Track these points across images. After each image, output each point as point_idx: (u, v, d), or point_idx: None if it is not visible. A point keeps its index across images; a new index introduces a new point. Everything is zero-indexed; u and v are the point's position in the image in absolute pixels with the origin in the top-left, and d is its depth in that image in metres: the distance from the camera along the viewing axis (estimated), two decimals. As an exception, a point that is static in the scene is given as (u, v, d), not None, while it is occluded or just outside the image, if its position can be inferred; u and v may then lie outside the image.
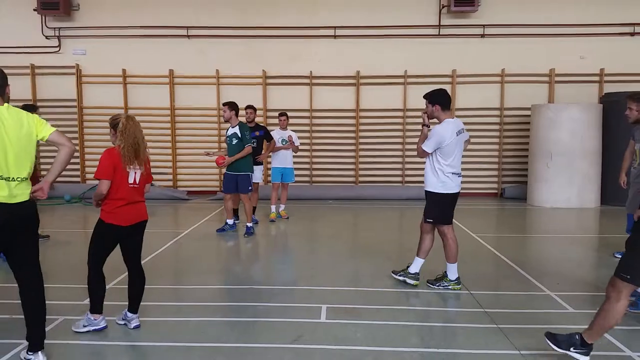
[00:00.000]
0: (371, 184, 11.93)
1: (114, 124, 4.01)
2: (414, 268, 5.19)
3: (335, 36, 11.70)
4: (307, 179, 11.99)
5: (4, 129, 3.28)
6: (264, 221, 8.78)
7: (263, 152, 8.78)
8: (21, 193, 3.36)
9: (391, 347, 3.78)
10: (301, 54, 11.74)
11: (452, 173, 4.97)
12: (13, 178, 3.29)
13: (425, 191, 5.12)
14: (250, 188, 7.78)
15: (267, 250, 7.44)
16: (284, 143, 8.89)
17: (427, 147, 4.92)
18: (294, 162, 9.33)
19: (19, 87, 11.57)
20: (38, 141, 3.49)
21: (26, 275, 3.49)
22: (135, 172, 4.02)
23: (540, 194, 10.61)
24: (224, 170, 8.10)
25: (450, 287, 5.06)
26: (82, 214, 9.94)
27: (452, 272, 5.09)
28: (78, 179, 12.00)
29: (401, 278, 5.24)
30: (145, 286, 4.82)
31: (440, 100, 4.97)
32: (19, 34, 11.78)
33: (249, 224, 7.77)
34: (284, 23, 11.63)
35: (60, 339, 3.92)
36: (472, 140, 11.48)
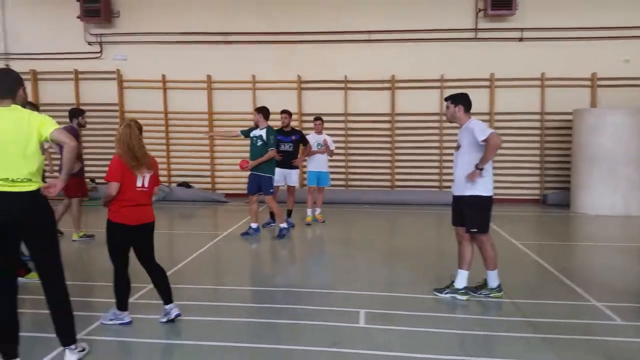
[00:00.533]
0: (407, 188, 11.83)
1: None
2: (461, 282, 4.91)
3: (370, 40, 11.69)
4: (342, 182, 11.98)
5: (6, 129, 3.29)
6: (300, 225, 8.82)
7: (299, 156, 8.83)
8: (24, 197, 3.32)
9: (430, 354, 3.74)
10: (336, 59, 11.77)
11: (489, 174, 4.80)
12: (13, 179, 3.29)
13: (465, 196, 4.79)
14: (272, 190, 7.86)
15: (304, 253, 7.47)
16: (319, 147, 8.92)
17: (489, 129, 4.69)
18: (330, 166, 9.35)
19: (63, 92, 12.03)
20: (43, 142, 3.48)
21: (50, 286, 3.52)
22: (144, 177, 4.17)
23: (583, 200, 10.30)
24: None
25: (491, 295, 4.90)
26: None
27: (493, 279, 4.92)
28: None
29: (448, 296, 4.91)
30: (185, 285, 4.93)
31: (463, 102, 4.88)
32: (63, 40, 12.21)
33: (282, 225, 7.82)
34: (319, 28, 11.68)
35: (104, 336, 4.02)
36: (513, 145, 11.46)
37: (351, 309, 4.66)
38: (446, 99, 5.03)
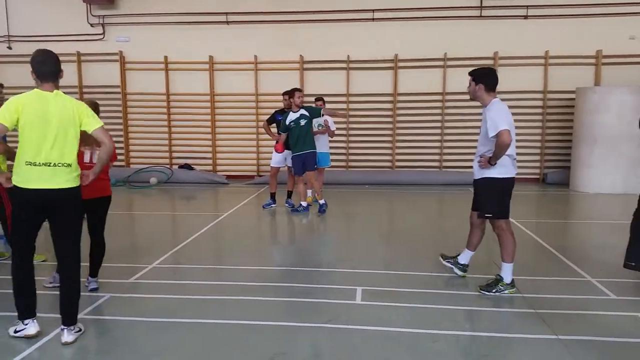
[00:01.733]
0: (408, 168, 11.84)
1: None
2: (464, 259, 4.94)
3: (373, 19, 11.59)
4: (343, 163, 12.01)
5: (52, 113, 3.48)
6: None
7: None
8: (62, 179, 3.53)
9: (426, 329, 3.81)
10: (338, 38, 11.69)
11: (510, 155, 4.43)
12: (55, 164, 3.48)
13: (479, 179, 4.57)
14: (315, 166, 8.17)
15: (303, 233, 7.54)
16: (320, 127, 8.91)
17: (503, 124, 4.26)
18: (330, 147, 9.36)
19: (65, 74, 11.80)
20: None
21: (64, 264, 3.70)
22: (92, 153, 4.41)
23: (583, 179, 10.30)
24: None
25: (506, 291, 4.49)
26: (127, 197, 10.30)
27: (508, 273, 4.51)
28: (123, 163, 12.41)
29: (449, 265, 5.01)
30: (188, 266, 5.00)
31: (485, 80, 4.49)
32: (65, 22, 12.20)
33: (321, 202, 8.08)
34: (322, 7, 11.59)
35: (106, 315, 4.12)
36: (515, 124, 11.37)
37: (348, 286, 4.73)
38: (469, 74, 4.65)
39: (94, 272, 4.65)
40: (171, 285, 4.86)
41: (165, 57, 12.11)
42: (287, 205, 8.72)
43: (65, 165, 3.53)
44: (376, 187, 11.01)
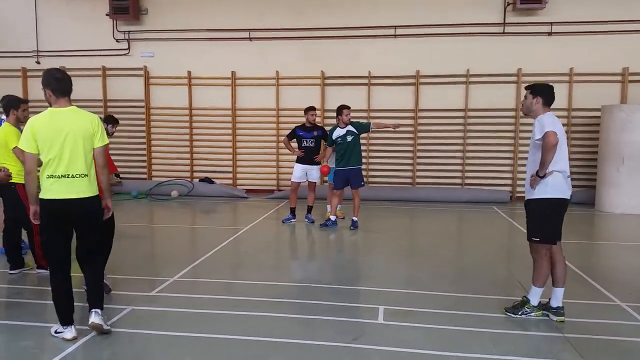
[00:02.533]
0: (429, 185, 11.74)
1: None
2: (554, 302, 4.34)
3: (395, 35, 11.61)
4: (364, 179, 11.93)
5: (66, 128, 3.72)
6: (319, 221, 8.83)
7: (320, 152, 8.83)
8: (81, 189, 3.79)
9: (451, 352, 3.71)
10: (360, 54, 11.73)
11: (563, 172, 4.13)
12: (73, 175, 3.75)
13: (532, 200, 4.24)
14: (362, 183, 8.28)
15: (324, 249, 7.49)
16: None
17: (550, 126, 4.04)
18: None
19: (91, 88, 12.29)
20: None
21: (86, 261, 4.01)
22: None
23: (609, 199, 10.06)
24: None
25: (532, 314, 4.33)
26: (148, 209, 10.39)
27: (536, 296, 4.32)
28: (145, 176, 12.55)
29: (523, 316, 4.39)
30: (208, 280, 4.99)
31: (543, 94, 4.26)
32: (92, 37, 12.47)
33: (355, 218, 8.21)
34: (343, 23, 11.66)
35: (128, 328, 4.12)
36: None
37: (370, 305, 4.66)
38: (526, 88, 4.44)
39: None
40: (191, 299, 4.84)
41: (189, 72, 12.28)
42: (306, 220, 8.69)
43: (82, 175, 3.79)
44: (396, 204, 10.92)
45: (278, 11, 11.89)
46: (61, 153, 3.70)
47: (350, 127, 8.11)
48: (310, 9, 11.79)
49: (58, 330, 3.88)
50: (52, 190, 3.72)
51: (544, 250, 4.26)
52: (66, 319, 3.85)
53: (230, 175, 12.45)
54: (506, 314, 4.40)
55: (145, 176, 12.55)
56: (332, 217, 8.35)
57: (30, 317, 4.31)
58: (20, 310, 4.50)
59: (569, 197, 4.21)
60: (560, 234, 4.26)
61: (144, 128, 12.48)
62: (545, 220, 4.21)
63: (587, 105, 11.06)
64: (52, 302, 3.92)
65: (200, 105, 12.38)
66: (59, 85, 3.79)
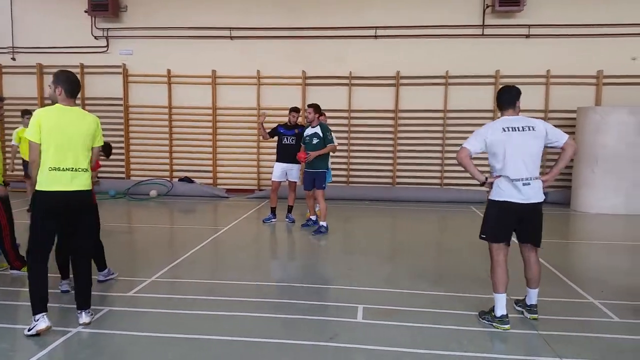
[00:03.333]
0: (409, 185, 11.84)
1: None
2: (530, 299, 4.40)
3: (376, 36, 11.68)
4: (344, 179, 12.00)
5: (72, 126, 3.99)
6: (300, 220, 8.84)
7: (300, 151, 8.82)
8: (81, 182, 4.03)
9: (430, 349, 3.76)
10: (341, 54, 11.77)
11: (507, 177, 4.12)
12: (74, 169, 3.98)
13: (539, 203, 4.22)
14: (324, 186, 8.02)
15: (303, 248, 7.49)
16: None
17: (468, 140, 4.22)
18: (332, 162, 9.36)
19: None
20: None
21: (78, 255, 4.20)
22: None
23: (584, 199, 10.29)
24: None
25: (493, 323, 4.20)
26: (127, 209, 10.27)
27: (497, 305, 4.22)
28: (123, 175, 12.40)
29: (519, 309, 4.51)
30: (186, 280, 4.95)
31: (498, 98, 4.31)
32: (70, 34, 12.29)
33: (323, 223, 7.93)
34: (325, 24, 11.69)
35: (105, 329, 4.07)
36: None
37: (350, 304, 4.69)
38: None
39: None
40: (170, 300, 4.81)
41: (168, 71, 12.17)
42: (287, 220, 8.69)
43: (83, 170, 4.04)
44: (377, 204, 10.99)
45: (259, 10, 11.86)
46: (66, 148, 3.93)
47: (318, 129, 7.91)
48: (292, 9, 11.79)
49: (30, 327, 3.86)
50: (54, 182, 3.91)
51: (491, 249, 4.25)
52: (41, 307, 3.89)
53: (211, 174, 12.38)
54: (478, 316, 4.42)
55: (123, 175, 12.40)
56: (313, 217, 8.35)
57: (5, 319, 4.24)
58: (-7, 311, 4.41)
59: (519, 201, 4.09)
60: (505, 234, 4.20)
61: (122, 126, 12.33)
62: (487, 219, 4.27)
63: (564, 107, 11.28)
64: (26, 304, 3.86)
65: (180, 104, 12.28)
66: (71, 87, 4.06)
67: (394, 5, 11.58)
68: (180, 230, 8.78)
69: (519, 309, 4.52)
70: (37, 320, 3.85)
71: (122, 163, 12.38)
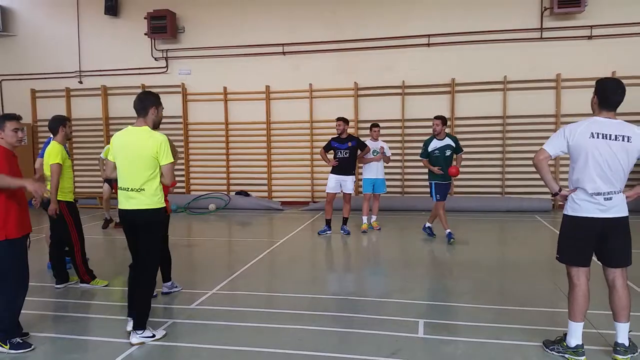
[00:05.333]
0: (468, 195, 11.52)
1: None
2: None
3: (429, 44, 11.52)
4: (399, 189, 11.84)
5: (132, 147, 4.05)
6: (355, 232, 8.78)
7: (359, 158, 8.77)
8: (135, 202, 4.06)
9: (494, 367, 3.59)
10: (393, 64, 11.69)
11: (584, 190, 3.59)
12: (129, 188, 4.06)
13: (623, 217, 3.64)
14: (439, 196, 7.95)
15: (360, 261, 7.42)
16: (375, 154, 8.86)
17: (546, 144, 3.72)
18: (386, 173, 9.28)
19: (131, 106, 12.64)
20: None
21: (135, 273, 4.22)
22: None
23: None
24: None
25: (566, 355, 3.70)
26: (187, 223, 10.56)
27: (572, 333, 3.69)
28: (183, 190, 12.79)
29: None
30: (245, 292, 4.98)
31: (598, 92, 3.62)
32: (131, 57, 12.89)
33: (448, 230, 7.94)
34: (376, 34, 11.66)
35: (170, 342, 4.16)
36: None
37: (409, 318, 4.57)
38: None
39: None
40: (229, 312, 4.86)
41: (225, 88, 12.50)
42: (342, 231, 8.65)
43: (137, 190, 4.04)
44: (434, 214, 10.73)
45: (311, 25, 12.00)
46: (126, 168, 4.06)
47: (449, 141, 7.83)
48: (343, 22, 11.86)
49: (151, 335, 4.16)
50: (119, 200, 4.14)
51: (569, 272, 3.73)
52: (128, 311, 4.22)
53: (266, 187, 12.55)
54: (543, 347, 3.94)
55: (183, 190, 12.80)
56: (447, 231, 7.98)
57: (76, 331, 4.42)
58: (66, 323, 4.61)
59: (598, 216, 3.55)
60: (583, 255, 3.65)
61: (182, 143, 12.75)
62: (562, 238, 3.76)
63: (633, 109, 10.64)
64: (96, 316, 4.01)
65: (236, 119, 12.57)
66: (134, 106, 4.18)
67: (447, 13, 11.40)
68: (238, 243, 8.92)
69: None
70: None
71: (183, 178, 12.78)
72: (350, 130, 9.57)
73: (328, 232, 8.66)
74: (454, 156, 8.03)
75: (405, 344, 4.02)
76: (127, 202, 4.07)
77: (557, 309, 4.68)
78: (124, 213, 4.12)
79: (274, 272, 6.69)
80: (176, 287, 5.45)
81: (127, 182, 4.06)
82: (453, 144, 7.82)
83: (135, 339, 4.04)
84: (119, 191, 4.12)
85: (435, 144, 7.81)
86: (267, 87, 12.32)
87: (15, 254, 3.97)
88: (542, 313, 4.65)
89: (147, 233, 4.12)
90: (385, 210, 10.37)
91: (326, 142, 8.83)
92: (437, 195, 7.89)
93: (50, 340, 4.22)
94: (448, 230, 7.91)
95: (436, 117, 7.90)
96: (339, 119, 8.61)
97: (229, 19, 12.41)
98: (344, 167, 8.49)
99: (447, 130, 11.48)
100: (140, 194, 4.04)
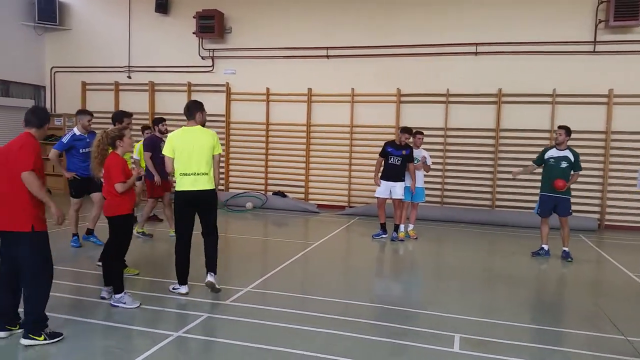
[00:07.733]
0: (510, 209, 11.22)
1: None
2: None
3: (476, 53, 11.31)
4: (437, 199, 11.65)
5: (193, 141, 5.13)
6: (408, 239, 8.68)
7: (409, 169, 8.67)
8: (202, 183, 5.14)
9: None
10: (439, 72, 11.51)
11: None
12: (196, 173, 5.12)
13: None
14: (570, 212, 7.67)
15: (395, 270, 7.33)
16: (416, 162, 8.75)
17: None
18: (425, 182, 9.15)
19: (177, 103, 12.93)
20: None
21: (207, 234, 5.37)
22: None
23: None
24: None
25: None
26: (225, 220, 10.66)
27: None
28: (222, 187, 12.97)
29: None
30: (279, 292, 4.99)
31: None
32: (179, 55, 13.17)
33: (565, 249, 7.64)
34: (421, 41, 11.52)
35: (203, 335, 4.20)
36: (630, 167, 10.46)
37: (445, 332, 4.48)
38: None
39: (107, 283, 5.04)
40: (263, 311, 4.89)
41: (267, 89, 12.62)
42: (392, 238, 8.57)
43: (203, 174, 5.15)
44: (473, 227, 10.51)
45: (355, 29, 11.97)
46: (189, 157, 5.08)
47: (568, 153, 7.56)
48: (389, 27, 11.77)
49: (175, 287, 5.23)
50: (184, 183, 5.11)
51: None
52: (182, 280, 5.22)
53: (303, 189, 12.58)
54: None
55: (223, 187, 12.97)
56: (545, 247, 7.87)
57: (114, 319, 4.52)
58: (105, 311, 4.73)
59: None
60: None
61: (224, 141, 12.93)
62: None
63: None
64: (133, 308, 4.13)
65: (277, 120, 12.66)
66: (185, 112, 5.32)
67: (495, 22, 11.16)
68: (274, 242, 8.96)
69: None
70: (181, 286, 5.21)
71: (223, 176, 12.96)
72: (390, 137, 9.48)
73: (383, 236, 8.64)
74: (571, 172, 7.67)
75: (441, 359, 3.93)
76: (194, 184, 5.08)
77: (599, 334, 4.48)
78: (190, 193, 5.08)
79: (307, 275, 6.68)
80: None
81: (194, 168, 5.07)
82: (572, 158, 7.52)
83: (211, 278, 5.22)
84: (182, 177, 5.08)
85: (552, 153, 7.65)
86: (309, 89, 12.35)
87: (47, 246, 4.05)
88: (582, 336, 4.46)
89: (212, 206, 5.29)
90: (422, 220, 10.22)
91: (381, 149, 8.74)
92: (539, 209, 7.72)
93: (87, 325, 4.33)
94: (546, 246, 7.80)
95: (560, 127, 7.70)
96: (404, 131, 8.56)
97: (273, 20, 12.51)
98: (394, 173, 8.48)
99: (491, 141, 11.30)
100: (207, 176, 5.13)
